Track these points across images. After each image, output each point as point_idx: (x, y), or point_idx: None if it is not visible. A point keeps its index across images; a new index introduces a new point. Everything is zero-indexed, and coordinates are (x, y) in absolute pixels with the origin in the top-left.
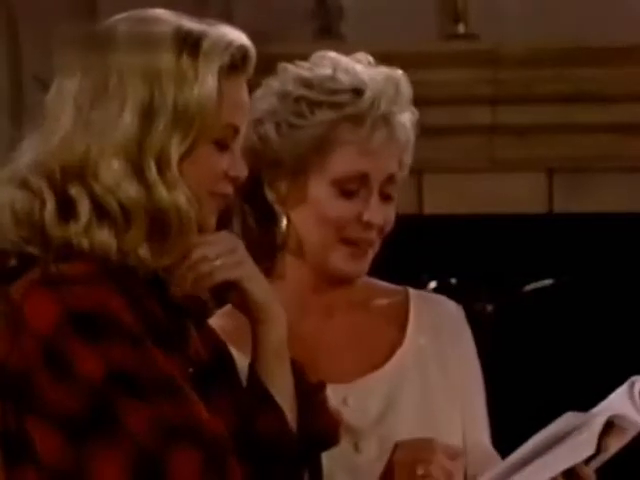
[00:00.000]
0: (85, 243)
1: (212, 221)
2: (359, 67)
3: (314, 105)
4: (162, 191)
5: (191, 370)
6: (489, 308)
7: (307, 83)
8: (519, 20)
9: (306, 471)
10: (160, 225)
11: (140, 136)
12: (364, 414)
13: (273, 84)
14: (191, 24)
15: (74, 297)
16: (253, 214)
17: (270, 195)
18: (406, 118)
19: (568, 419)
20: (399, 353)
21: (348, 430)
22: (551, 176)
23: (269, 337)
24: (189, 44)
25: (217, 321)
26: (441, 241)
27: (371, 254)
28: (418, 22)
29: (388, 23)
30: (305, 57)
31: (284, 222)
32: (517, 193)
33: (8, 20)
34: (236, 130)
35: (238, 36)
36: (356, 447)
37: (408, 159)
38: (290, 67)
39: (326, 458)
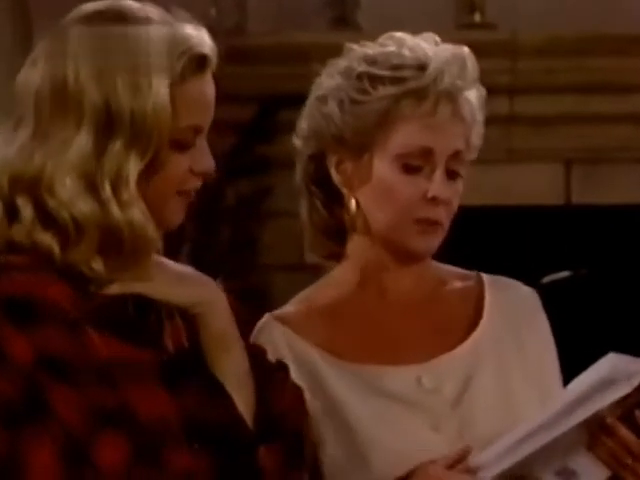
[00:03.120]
0: (27, 242)
1: (178, 219)
2: (424, 44)
3: (376, 80)
4: (115, 210)
5: (161, 359)
6: None
7: (371, 60)
8: (536, 9)
9: (275, 451)
10: (114, 241)
11: (96, 154)
12: (440, 394)
13: (339, 63)
14: (152, 28)
15: (11, 283)
16: (320, 197)
17: (337, 178)
18: (472, 95)
19: (613, 362)
20: (475, 335)
21: (424, 410)
22: (569, 167)
23: (209, 329)
24: (144, 50)
25: (289, 309)
26: (457, 233)
27: (440, 232)
28: (434, 11)
29: (404, 13)
30: (320, 47)
31: (353, 205)
32: (534, 184)
33: (23, 19)
34: (198, 129)
35: (197, 37)
36: (435, 428)
37: (476, 139)
38: (356, 47)
39: (403, 438)
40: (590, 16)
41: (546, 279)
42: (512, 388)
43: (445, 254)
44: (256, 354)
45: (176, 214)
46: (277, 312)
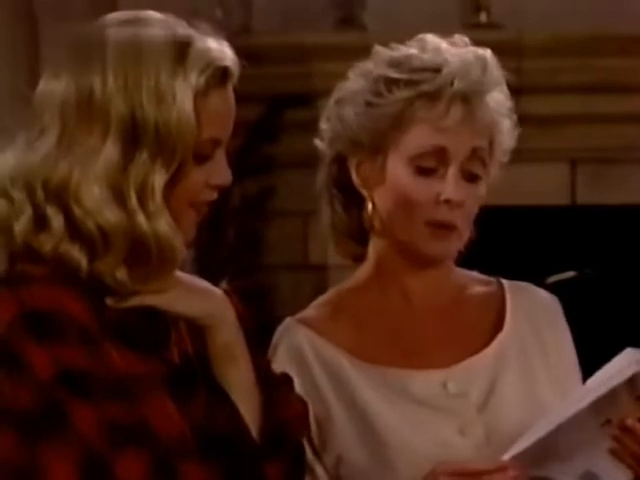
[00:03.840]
0: (51, 253)
1: (191, 233)
2: (446, 46)
3: (392, 83)
4: (142, 220)
5: (166, 370)
6: None
7: (391, 63)
8: (542, 9)
9: (279, 462)
10: (140, 251)
11: (123, 164)
12: (466, 399)
13: (360, 66)
14: (174, 37)
15: (31, 296)
16: (341, 200)
17: (356, 180)
18: (494, 97)
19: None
20: (498, 339)
21: (450, 414)
22: (575, 167)
23: (214, 341)
24: (169, 62)
25: (312, 312)
26: None
27: (456, 236)
28: (440, 11)
29: (410, 13)
30: (326, 47)
31: (369, 206)
32: (540, 184)
33: (28, 18)
34: (217, 141)
35: (220, 50)
36: (462, 432)
37: (504, 141)
38: (381, 49)
39: (430, 442)
40: (596, 16)
41: (551, 279)
42: (537, 391)
43: None
44: (261, 366)
45: (189, 227)
46: (299, 315)
